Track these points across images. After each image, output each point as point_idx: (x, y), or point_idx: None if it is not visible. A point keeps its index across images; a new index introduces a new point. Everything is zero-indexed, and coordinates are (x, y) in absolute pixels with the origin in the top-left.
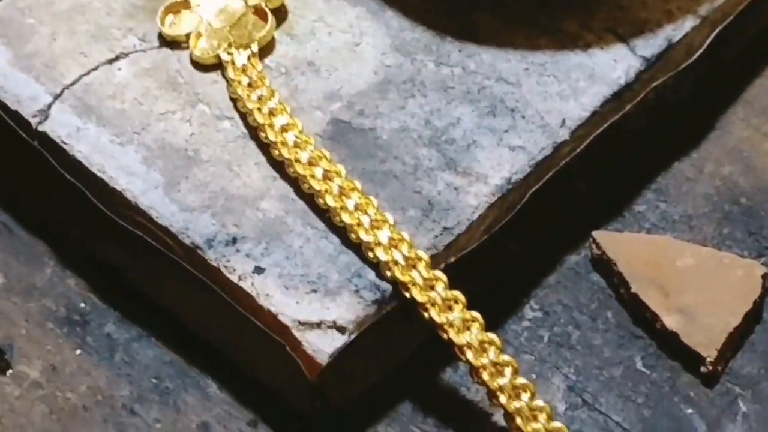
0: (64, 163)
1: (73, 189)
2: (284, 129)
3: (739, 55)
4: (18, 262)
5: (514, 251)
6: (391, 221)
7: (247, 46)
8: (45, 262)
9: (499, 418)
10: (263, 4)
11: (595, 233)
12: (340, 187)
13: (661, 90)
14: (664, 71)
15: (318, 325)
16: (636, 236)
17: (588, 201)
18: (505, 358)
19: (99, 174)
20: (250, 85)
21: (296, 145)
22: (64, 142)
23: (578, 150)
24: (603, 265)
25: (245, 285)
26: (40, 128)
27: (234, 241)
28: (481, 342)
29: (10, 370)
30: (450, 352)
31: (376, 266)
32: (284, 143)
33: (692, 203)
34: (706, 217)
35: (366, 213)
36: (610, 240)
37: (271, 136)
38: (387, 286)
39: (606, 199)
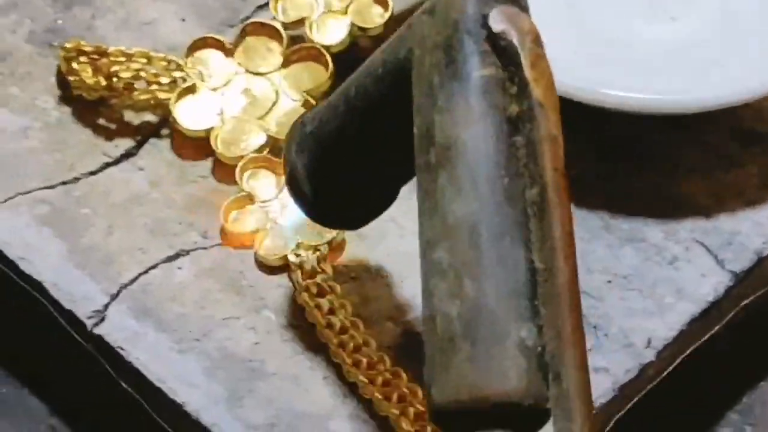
0: (121, 369)
1: (128, 397)
2: (356, 349)
3: None
4: None
5: None
6: None
7: (316, 248)
8: None
9: None
10: None
11: None
12: (416, 411)
13: (751, 306)
14: (754, 287)
15: None
16: None
17: (670, 423)
18: None
19: (157, 384)
20: (319, 293)
21: (369, 365)
22: (122, 348)
23: (665, 372)
24: None
25: None
26: (96, 331)
27: None
28: None
29: None
30: None
31: None
32: (356, 364)
33: None
34: None
35: None
36: None
37: (342, 355)
38: None
39: (687, 421)
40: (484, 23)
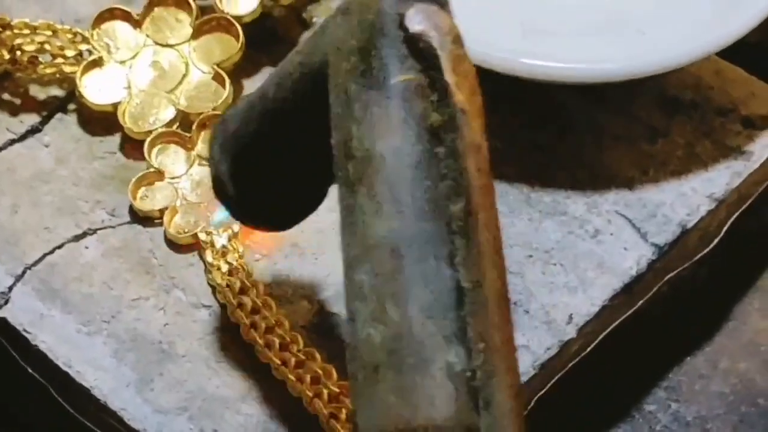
0: (26, 353)
1: (34, 383)
2: (268, 329)
3: (755, 239)
4: None
5: None
6: None
7: (227, 226)
8: None
9: None
10: None
11: None
12: (330, 392)
13: (675, 280)
14: (678, 261)
15: None
16: None
17: (595, 400)
18: None
19: (64, 368)
20: (230, 273)
21: (282, 346)
22: (27, 331)
23: (587, 349)
24: None
25: None
26: (0, 313)
27: None
28: None
29: None
30: None
31: None
32: (269, 345)
33: (706, 403)
34: (722, 420)
35: None
36: None
37: (254, 335)
38: None
39: (614, 397)
40: (401, 24)
